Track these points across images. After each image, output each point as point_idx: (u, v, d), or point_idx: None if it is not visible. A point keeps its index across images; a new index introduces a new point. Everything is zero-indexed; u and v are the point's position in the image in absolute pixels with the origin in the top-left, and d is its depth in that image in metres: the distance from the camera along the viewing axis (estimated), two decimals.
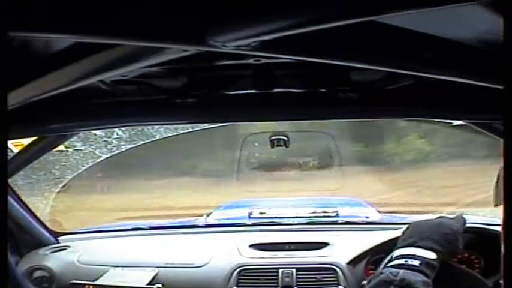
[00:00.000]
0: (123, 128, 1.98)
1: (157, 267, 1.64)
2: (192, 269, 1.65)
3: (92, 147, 2.08)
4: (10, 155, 1.46)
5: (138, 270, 1.64)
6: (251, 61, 0.82)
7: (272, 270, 1.60)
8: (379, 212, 2.14)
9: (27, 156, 1.47)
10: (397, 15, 0.49)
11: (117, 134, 2.06)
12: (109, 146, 2.11)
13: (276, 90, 0.98)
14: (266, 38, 0.51)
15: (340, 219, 1.91)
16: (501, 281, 1.14)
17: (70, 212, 2.93)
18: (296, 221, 1.91)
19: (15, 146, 1.50)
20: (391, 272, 0.99)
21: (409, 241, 1.08)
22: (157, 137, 2.14)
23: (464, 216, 1.23)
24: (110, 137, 2.07)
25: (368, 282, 1.03)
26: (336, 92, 0.98)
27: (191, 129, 2.07)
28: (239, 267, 1.63)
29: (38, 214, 1.81)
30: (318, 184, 2.71)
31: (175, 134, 2.13)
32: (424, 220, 1.19)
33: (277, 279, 1.58)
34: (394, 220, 1.96)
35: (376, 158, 4.60)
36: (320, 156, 2.60)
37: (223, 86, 0.98)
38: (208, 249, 1.73)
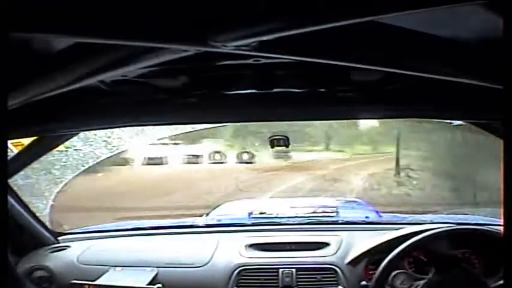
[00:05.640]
0: (123, 128, 1.98)
1: (157, 267, 1.63)
2: (192, 269, 1.65)
3: (92, 147, 2.08)
4: (10, 155, 1.46)
5: (138, 270, 1.64)
6: (251, 61, 0.82)
7: (272, 270, 1.60)
8: (378, 212, 2.14)
9: (27, 156, 1.47)
10: (397, 15, 0.49)
11: (117, 134, 2.06)
12: (109, 146, 2.10)
13: (275, 90, 0.98)
14: (266, 38, 0.51)
15: (340, 219, 1.90)
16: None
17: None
18: (296, 221, 1.91)
19: (15, 146, 1.50)
20: None
21: None
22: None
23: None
24: (109, 137, 2.07)
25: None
26: (336, 92, 0.98)
27: (191, 129, 2.07)
28: (239, 267, 1.63)
29: (38, 214, 1.81)
30: None
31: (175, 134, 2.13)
32: None
33: (277, 279, 1.58)
34: (394, 220, 1.96)
35: None
36: None
37: (223, 86, 0.98)
38: (208, 249, 1.72)
